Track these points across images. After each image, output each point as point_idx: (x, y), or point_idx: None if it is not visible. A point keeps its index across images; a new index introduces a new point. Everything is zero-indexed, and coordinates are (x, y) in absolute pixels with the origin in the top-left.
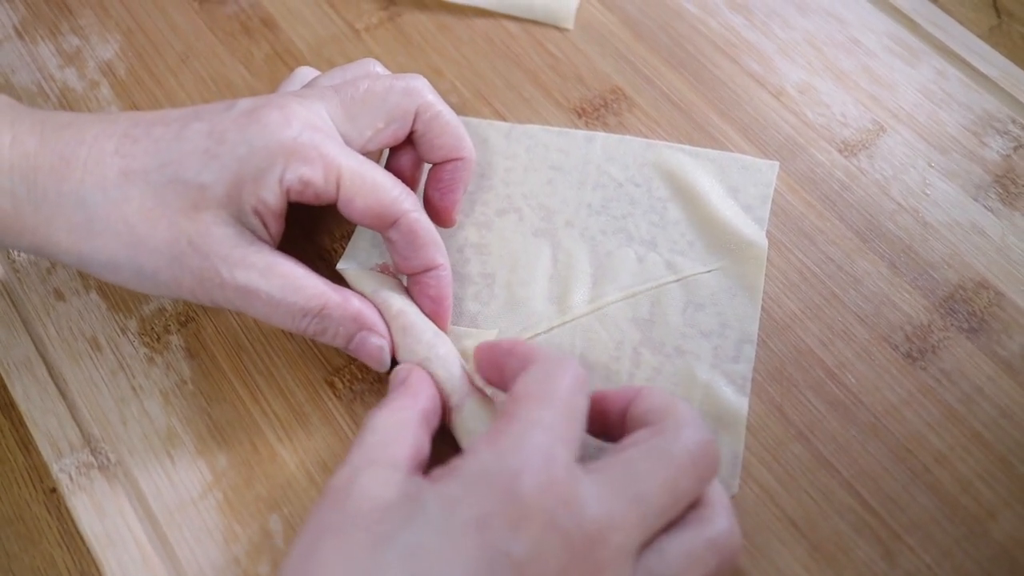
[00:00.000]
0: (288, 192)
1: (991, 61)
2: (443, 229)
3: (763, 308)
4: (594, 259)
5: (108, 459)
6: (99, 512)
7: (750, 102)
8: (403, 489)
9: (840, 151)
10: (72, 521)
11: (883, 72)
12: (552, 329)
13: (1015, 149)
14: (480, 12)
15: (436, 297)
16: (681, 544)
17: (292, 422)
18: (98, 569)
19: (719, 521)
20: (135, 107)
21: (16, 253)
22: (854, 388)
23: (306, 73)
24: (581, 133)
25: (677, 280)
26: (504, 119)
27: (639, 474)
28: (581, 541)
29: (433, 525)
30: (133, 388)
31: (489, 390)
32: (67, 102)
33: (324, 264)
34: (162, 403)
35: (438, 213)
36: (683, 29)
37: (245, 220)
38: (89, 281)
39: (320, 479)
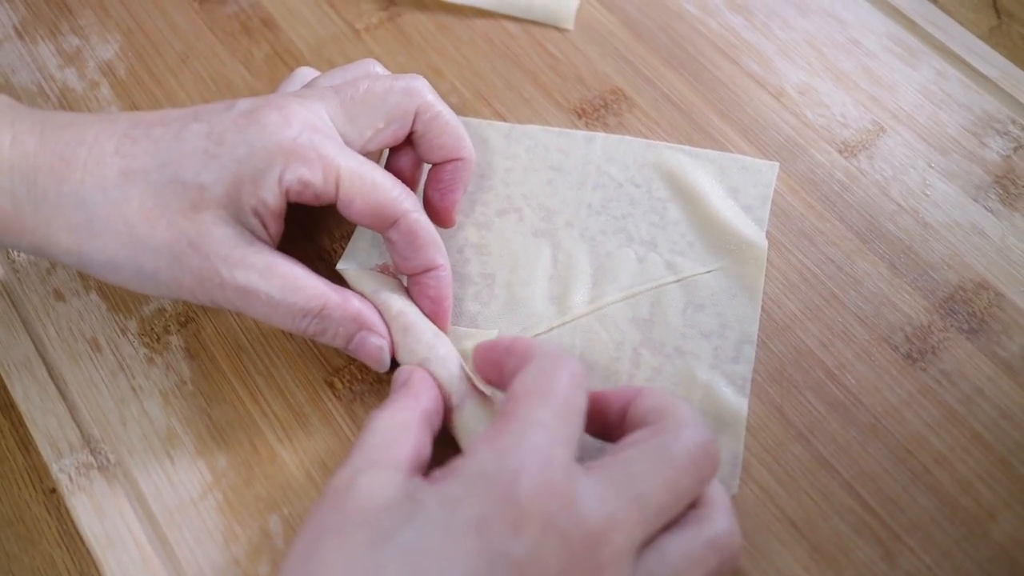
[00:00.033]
0: (287, 193)
1: (991, 62)
2: (443, 229)
3: (763, 309)
4: (594, 259)
5: (108, 459)
6: (99, 512)
7: (750, 103)
8: (403, 490)
9: (840, 152)
10: (72, 521)
11: (883, 73)
12: (552, 329)
13: (1015, 150)
14: (480, 12)
15: (436, 297)
16: (681, 544)
17: (292, 423)
18: (98, 570)
19: (719, 521)
20: (135, 107)
21: (16, 253)
22: (854, 389)
23: (306, 73)
24: (581, 133)
25: (677, 280)
26: (504, 119)
27: (639, 474)
28: (580, 541)
29: (433, 525)
30: (133, 389)
31: (488, 390)
32: (67, 102)
33: (324, 264)
34: (162, 403)
35: (438, 213)
36: (683, 30)
37: (244, 220)
38: (89, 282)
39: (320, 479)
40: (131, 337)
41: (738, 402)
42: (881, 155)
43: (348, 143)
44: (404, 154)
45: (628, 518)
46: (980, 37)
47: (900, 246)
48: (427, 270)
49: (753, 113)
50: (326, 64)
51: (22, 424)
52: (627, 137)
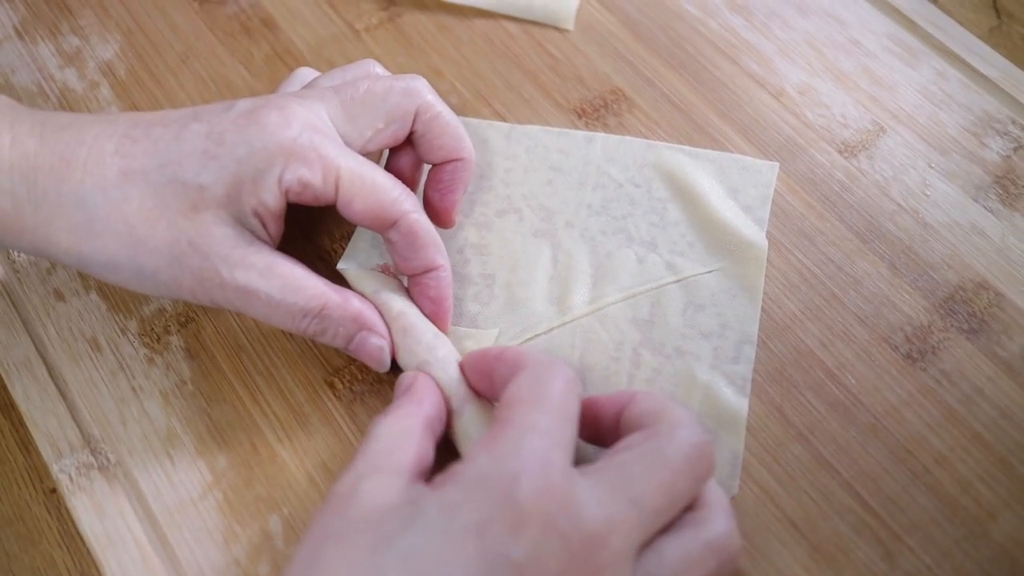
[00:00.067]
0: (287, 193)
1: (991, 62)
2: (443, 230)
3: (763, 309)
4: (594, 260)
5: (108, 459)
6: (99, 512)
7: (750, 103)
8: (405, 496)
9: (840, 152)
10: (72, 521)
11: (883, 73)
12: (552, 330)
13: (1015, 150)
14: (480, 13)
15: (436, 298)
16: (679, 546)
17: (292, 423)
18: (98, 570)
19: (717, 523)
20: (135, 107)
21: (16, 254)
22: (854, 389)
23: (306, 74)
24: (581, 134)
25: (677, 281)
26: (504, 120)
27: (635, 476)
28: (580, 543)
29: (433, 530)
30: (133, 389)
31: None
32: (67, 102)
33: (324, 265)
34: (162, 403)
35: (438, 214)
36: (683, 30)
37: (245, 221)
38: (89, 282)
39: (320, 480)
40: (131, 337)
41: (738, 402)
42: (881, 155)
43: (348, 143)
44: (404, 154)
45: (626, 520)
46: (980, 37)
47: (900, 246)
48: (427, 271)
49: (753, 113)
50: (326, 64)
51: (22, 424)
52: (627, 137)
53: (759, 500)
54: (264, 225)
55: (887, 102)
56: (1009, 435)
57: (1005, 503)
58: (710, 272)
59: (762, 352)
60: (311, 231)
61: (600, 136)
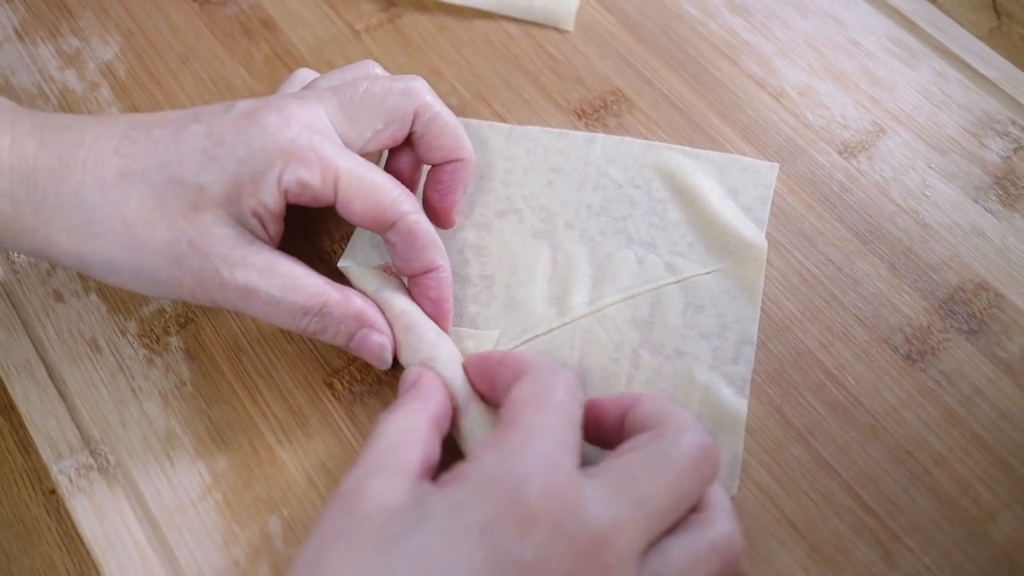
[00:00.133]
0: (286, 194)
1: (991, 63)
2: (442, 231)
3: (763, 310)
4: (594, 260)
5: (107, 461)
6: (98, 514)
7: (750, 104)
8: (411, 495)
9: (840, 153)
10: (71, 523)
11: (883, 74)
12: (551, 331)
13: (1015, 151)
14: (480, 14)
15: (436, 299)
16: (684, 547)
17: (291, 424)
18: (98, 571)
19: (721, 524)
20: (135, 108)
21: (16, 255)
22: (854, 390)
23: (305, 75)
24: (581, 135)
25: (677, 281)
26: (504, 120)
27: (641, 477)
28: (586, 544)
29: (440, 530)
30: (132, 390)
31: None
32: (67, 104)
33: (324, 265)
34: (161, 405)
35: (437, 214)
36: (683, 31)
37: (244, 221)
38: (89, 283)
39: (320, 481)
40: (131, 338)
41: (738, 403)
42: (881, 156)
43: (347, 144)
44: (403, 155)
45: (632, 521)
46: (980, 38)
47: (900, 247)
48: (427, 271)
49: (753, 114)
50: (326, 65)
51: (22, 425)
52: (627, 138)
53: (758, 501)
54: (264, 226)
55: (887, 103)
56: (1009, 436)
57: (1005, 504)
58: (710, 273)
59: (762, 353)
60: (311, 231)
61: (600, 137)
